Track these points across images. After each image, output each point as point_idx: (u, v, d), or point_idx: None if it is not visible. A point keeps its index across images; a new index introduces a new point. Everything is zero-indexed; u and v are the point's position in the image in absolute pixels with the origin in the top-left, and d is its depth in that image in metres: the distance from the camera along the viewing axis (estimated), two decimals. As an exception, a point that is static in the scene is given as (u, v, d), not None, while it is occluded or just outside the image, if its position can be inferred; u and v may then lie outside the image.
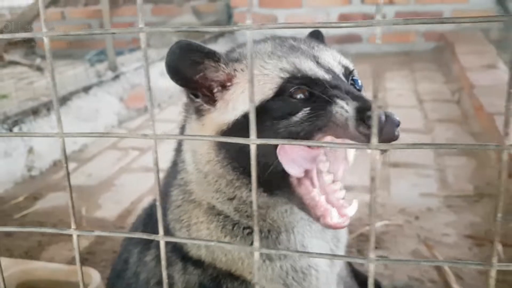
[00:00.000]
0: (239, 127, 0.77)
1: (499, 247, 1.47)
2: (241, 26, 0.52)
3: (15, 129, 2.21)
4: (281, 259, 0.85)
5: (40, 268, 1.36)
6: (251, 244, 0.81)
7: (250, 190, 0.79)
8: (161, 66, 3.18)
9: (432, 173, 1.94)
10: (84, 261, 1.50)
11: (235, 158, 0.79)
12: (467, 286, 1.30)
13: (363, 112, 0.72)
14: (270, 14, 4.36)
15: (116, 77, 2.87)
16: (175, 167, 0.93)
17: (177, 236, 0.88)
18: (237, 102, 0.79)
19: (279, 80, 0.78)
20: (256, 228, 0.54)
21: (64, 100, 2.50)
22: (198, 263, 0.87)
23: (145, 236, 0.62)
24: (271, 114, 0.76)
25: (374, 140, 0.49)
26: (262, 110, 0.75)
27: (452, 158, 2.05)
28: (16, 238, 1.69)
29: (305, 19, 4.31)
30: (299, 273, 0.87)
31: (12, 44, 4.09)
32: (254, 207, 0.54)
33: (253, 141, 0.53)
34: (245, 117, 0.76)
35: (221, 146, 0.80)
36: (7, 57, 3.61)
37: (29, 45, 4.59)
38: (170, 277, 0.87)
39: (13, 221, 1.79)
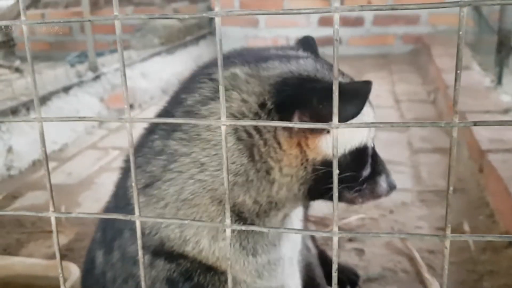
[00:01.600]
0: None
1: (469, 239, 1.53)
2: (210, 13, 0.55)
3: (-6, 129, 2.20)
4: (260, 255, 0.88)
5: (18, 263, 1.36)
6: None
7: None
8: (142, 67, 3.20)
9: (406, 169, 2.00)
10: (63, 257, 1.51)
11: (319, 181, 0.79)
12: (438, 276, 1.34)
13: (392, 188, 0.89)
14: (252, 16, 4.40)
15: (97, 77, 2.87)
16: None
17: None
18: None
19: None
20: (227, 206, 0.57)
21: (44, 100, 2.50)
22: (170, 256, 0.84)
23: (120, 216, 0.64)
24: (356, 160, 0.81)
25: (335, 119, 0.52)
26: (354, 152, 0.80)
27: (426, 155, 2.12)
28: (-6, 235, 1.69)
29: (285, 21, 4.37)
30: (272, 265, 0.90)
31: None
32: (226, 185, 0.57)
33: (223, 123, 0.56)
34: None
35: (313, 171, 0.79)
36: (-14, 59, 3.58)
37: (9, 47, 4.55)
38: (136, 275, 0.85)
39: (-8, 219, 1.79)
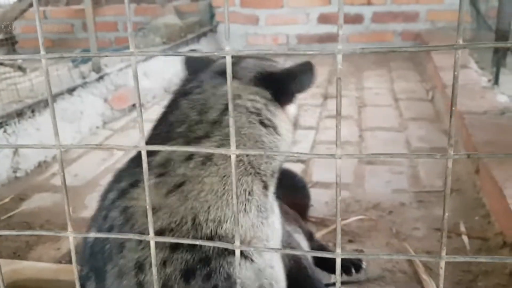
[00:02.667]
0: None
1: (465, 240, 1.58)
2: (221, 52, 0.59)
3: (0, 132, 2.24)
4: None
5: (28, 267, 1.40)
6: None
7: None
8: (144, 67, 3.24)
9: (405, 170, 2.04)
10: (71, 260, 1.56)
11: None
12: (435, 276, 1.39)
13: None
14: (252, 14, 4.43)
15: (100, 78, 2.91)
16: None
17: None
18: None
19: None
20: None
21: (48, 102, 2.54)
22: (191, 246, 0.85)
23: (136, 237, 0.68)
24: None
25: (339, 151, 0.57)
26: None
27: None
28: (4, 239, 1.73)
29: (285, 19, 4.39)
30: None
31: (-7, 44, 4.08)
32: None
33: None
34: None
35: None
36: (-12, 57, 3.61)
37: (11, 45, 4.58)
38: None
39: (0, 222, 1.83)
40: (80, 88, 2.76)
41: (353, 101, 3.00)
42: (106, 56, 0.63)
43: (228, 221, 0.86)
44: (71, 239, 0.71)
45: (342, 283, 1.41)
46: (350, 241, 1.58)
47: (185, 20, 4.16)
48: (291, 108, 1.05)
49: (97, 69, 2.91)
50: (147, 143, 0.89)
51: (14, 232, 0.72)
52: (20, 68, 3.62)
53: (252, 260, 0.89)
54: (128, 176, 0.92)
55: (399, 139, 2.38)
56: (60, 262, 1.57)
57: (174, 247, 0.83)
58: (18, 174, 2.23)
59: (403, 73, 3.50)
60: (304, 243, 1.32)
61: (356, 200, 1.82)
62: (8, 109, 2.34)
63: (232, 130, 0.60)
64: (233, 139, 0.60)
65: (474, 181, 1.86)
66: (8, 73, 3.67)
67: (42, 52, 0.62)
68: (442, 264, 0.62)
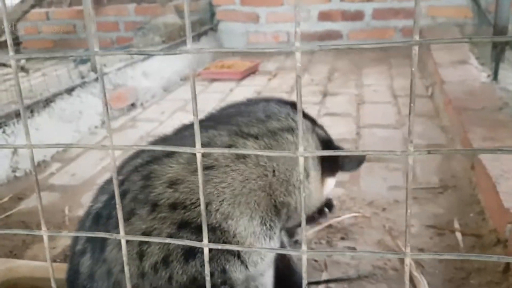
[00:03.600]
0: None
1: (459, 237, 1.57)
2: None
3: (-1, 132, 2.26)
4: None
5: (23, 266, 1.42)
6: None
7: None
8: (144, 66, 3.25)
9: (400, 166, 2.03)
10: (65, 258, 1.57)
11: None
12: (426, 274, 1.39)
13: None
14: (252, 12, 4.42)
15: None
16: None
17: None
18: None
19: None
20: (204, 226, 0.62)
21: (47, 102, 2.55)
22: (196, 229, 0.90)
23: (107, 235, 0.69)
24: None
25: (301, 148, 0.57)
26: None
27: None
28: (1, 238, 1.75)
29: (286, 17, 4.38)
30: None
31: (-3, 45, 4.11)
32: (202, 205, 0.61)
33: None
34: None
35: None
36: (-9, 58, 3.64)
37: (14, 46, 4.61)
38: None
39: (-1, 221, 1.85)
40: (79, 88, 2.78)
41: (352, 98, 2.99)
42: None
43: (234, 219, 0.90)
44: (45, 237, 0.72)
45: (333, 280, 1.41)
46: (343, 239, 1.58)
47: (185, 19, 4.16)
48: (330, 181, 1.15)
49: (95, 69, 2.93)
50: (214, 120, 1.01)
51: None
52: (23, 69, 3.65)
53: (246, 267, 0.91)
54: (164, 144, 0.97)
55: (397, 136, 2.37)
56: (55, 261, 1.58)
57: (182, 226, 0.86)
58: (17, 174, 2.25)
59: (403, 70, 3.48)
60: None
61: (351, 198, 1.82)
62: (7, 110, 2.36)
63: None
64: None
65: (470, 177, 1.84)
66: (10, 73, 3.70)
67: (11, 53, 0.63)
68: (407, 261, 0.62)
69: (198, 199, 0.87)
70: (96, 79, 2.88)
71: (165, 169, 0.91)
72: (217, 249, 0.88)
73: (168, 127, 2.71)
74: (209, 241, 0.83)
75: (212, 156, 0.92)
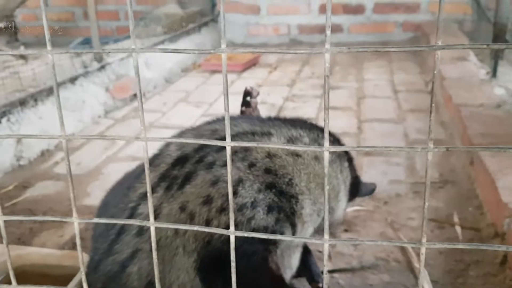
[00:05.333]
0: None
1: (458, 230, 1.62)
2: (217, 50, 0.62)
3: (3, 120, 2.27)
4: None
5: (33, 253, 1.45)
6: None
7: None
8: (146, 57, 3.26)
9: (401, 161, 2.07)
10: (73, 246, 1.60)
11: None
12: (427, 265, 1.43)
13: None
14: (253, 3, 4.43)
15: (102, 67, 2.94)
16: None
17: None
18: None
19: None
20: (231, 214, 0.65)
21: (51, 91, 2.57)
22: (280, 193, 1.04)
23: (137, 222, 0.72)
24: None
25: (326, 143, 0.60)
26: None
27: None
28: (8, 225, 1.78)
29: (287, 9, 4.40)
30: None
31: (-5, 32, 4.10)
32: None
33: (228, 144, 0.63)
34: None
35: None
36: (-10, 45, 3.63)
37: (12, 33, 4.60)
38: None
39: (4, 209, 1.87)
40: (82, 78, 2.79)
41: (353, 92, 3.03)
42: (109, 52, 0.66)
43: (306, 197, 1.06)
44: (76, 224, 0.75)
45: (337, 271, 1.46)
46: (346, 231, 1.62)
47: (186, 10, 4.16)
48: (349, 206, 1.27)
49: (98, 58, 2.94)
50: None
51: (20, 217, 0.76)
52: (22, 56, 3.64)
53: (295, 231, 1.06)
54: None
55: (397, 130, 2.41)
56: (63, 248, 1.61)
57: (269, 186, 1.01)
58: (21, 163, 2.27)
59: (403, 65, 3.52)
60: None
61: (353, 191, 1.86)
62: (11, 98, 2.38)
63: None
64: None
65: (469, 172, 1.89)
66: (10, 61, 3.70)
67: (49, 47, 0.65)
68: (423, 250, 0.66)
69: (287, 173, 1.03)
70: (99, 69, 2.89)
71: (236, 127, 1.08)
72: (281, 209, 1.01)
73: (171, 118, 2.77)
74: (284, 207, 1.02)
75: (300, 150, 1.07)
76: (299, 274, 1.24)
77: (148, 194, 0.71)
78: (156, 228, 0.71)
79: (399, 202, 1.77)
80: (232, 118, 1.12)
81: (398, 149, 0.63)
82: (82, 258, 0.77)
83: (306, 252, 1.29)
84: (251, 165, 1.02)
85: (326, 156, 0.61)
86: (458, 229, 1.60)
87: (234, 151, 1.02)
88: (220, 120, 1.15)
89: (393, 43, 4.10)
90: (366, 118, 2.59)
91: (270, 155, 1.05)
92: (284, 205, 1.02)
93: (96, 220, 0.74)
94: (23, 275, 1.38)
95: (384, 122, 2.49)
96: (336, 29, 4.32)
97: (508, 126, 1.98)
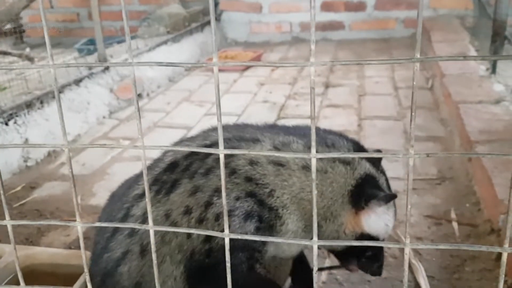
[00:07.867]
0: None
1: (455, 226, 1.65)
2: (208, 64, 0.66)
3: (10, 123, 2.32)
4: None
5: (41, 252, 1.49)
6: None
7: None
8: (149, 57, 3.30)
9: (400, 158, 2.10)
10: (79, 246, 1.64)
11: None
12: (424, 261, 1.47)
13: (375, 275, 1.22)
14: (255, 2, 4.46)
15: (106, 68, 2.98)
16: None
17: None
18: None
19: None
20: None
21: (56, 92, 2.61)
22: (260, 203, 1.03)
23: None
24: None
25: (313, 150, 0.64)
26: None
27: (420, 144, 2.22)
28: (17, 225, 1.83)
29: (289, 7, 4.42)
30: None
31: (1, 34, 4.16)
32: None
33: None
34: None
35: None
36: (-3, 48, 3.69)
37: (18, 35, 4.66)
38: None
39: (13, 210, 1.92)
40: (87, 79, 2.84)
41: (354, 89, 3.05)
42: (108, 65, 0.69)
43: (288, 211, 1.03)
44: (79, 228, 0.79)
45: (336, 267, 1.49)
46: (345, 228, 1.65)
47: (189, 9, 4.20)
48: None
49: (103, 59, 2.98)
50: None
51: (26, 222, 0.80)
52: (28, 57, 3.70)
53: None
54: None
55: (397, 127, 2.43)
56: (70, 248, 1.66)
57: (249, 195, 1.00)
58: (28, 164, 2.32)
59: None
60: None
61: (352, 188, 1.89)
62: (18, 101, 2.43)
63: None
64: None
65: (467, 169, 1.92)
66: (16, 62, 3.76)
67: (51, 62, 0.69)
68: (407, 250, 0.69)
69: (268, 183, 1.01)
70: (103, 70, 2.94)
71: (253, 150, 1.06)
72: (262, 218, 1.00)
73: (174, 117, 2.81)
74: (264, 217, 1.01)
75: (286, 158, 1.04)
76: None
77: (147, 199, 0.75)
78: (145, 233, 0.75)
79: (397, 199, 1.79)
80: (226, 126, 1.12)
81: (381, 155, 0.67)
82: (86, 260, 0.81)
83: (306, 267, 1.29)
84: (232, 173, 1.01)
85: (314, 163, 0.65)
86: (455, 225, 1.63)
87: (218, 157, 1.03)
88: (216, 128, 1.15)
89: (395, 40, 4.12)
90: (367, 115, 2.62)
91: (252, 162, 1.02)
92: (266, 215, 1.00)
93: (97, 224, 0.78)
94: (31, 274, 1.43)
95: (385, 119, 2.52)
96: (338, 26, 4.34)
97: (507, 122, 2.00)
